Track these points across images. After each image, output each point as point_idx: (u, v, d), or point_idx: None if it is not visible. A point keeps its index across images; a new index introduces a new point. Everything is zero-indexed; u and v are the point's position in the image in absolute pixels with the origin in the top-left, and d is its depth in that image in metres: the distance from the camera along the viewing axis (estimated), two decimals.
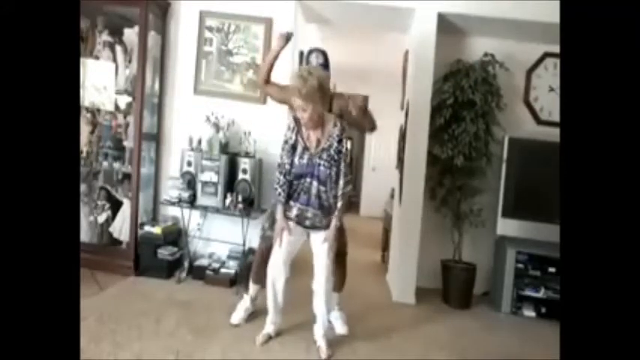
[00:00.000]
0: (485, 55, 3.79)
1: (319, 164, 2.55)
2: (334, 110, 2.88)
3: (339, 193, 2.58)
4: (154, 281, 3.51)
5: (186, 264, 3.70)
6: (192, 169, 3.63)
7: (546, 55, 4.03)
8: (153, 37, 3.72)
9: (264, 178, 3.69)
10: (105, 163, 3.73)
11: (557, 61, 3.99)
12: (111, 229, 3.73)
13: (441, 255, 3.90)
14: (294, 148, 2.58)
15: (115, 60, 3.68)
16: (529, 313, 3.67)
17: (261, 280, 2.84)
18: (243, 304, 2.99)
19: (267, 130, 3.76)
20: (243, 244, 3.55)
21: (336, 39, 4.96)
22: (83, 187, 3.72)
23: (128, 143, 3.67)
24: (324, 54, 3.08)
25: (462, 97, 3.65)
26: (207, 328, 2.80)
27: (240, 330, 2.85)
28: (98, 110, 3.71)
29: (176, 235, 3.81)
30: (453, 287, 3.76)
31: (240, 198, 3.49)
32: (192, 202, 3.60)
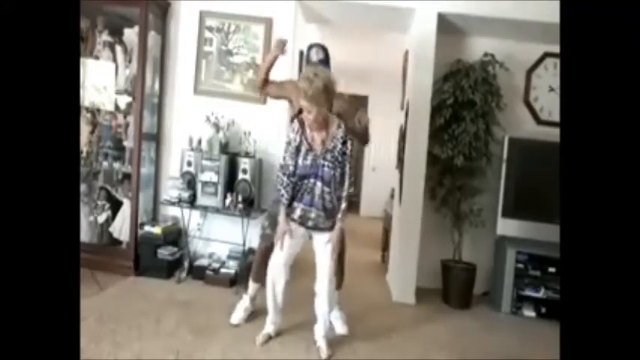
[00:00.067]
0: (485, 55, 3.79)
1: (323, 165, 2.54)
2: (334, 110, 2.88)
3: (344, 194, 2.58)
4: (154, 281, 3.51)
5: (186, 264, 3.70)
6: (192, 169, 3.63)
7: (546, 55, 4.03)
8: (153, 37, 3.72)
9: (264, 178, 3.69)
10: (105, 163, 3.73)
11: (557, 61, 3.99)
12: (111, 229, 3.73)
13: (441, 255, 3.90)
14: (297, 149, 2.58)
15: (115, 60, 3.68)
16: (529, 313, 3.67)
17: (261, 279, 2.84)
18: (243, 304, 2.99)
19: (267, 130, 3.76)
20: (243, 244, 3.55)
21: (336, 39, 4.96)
22: (83, 187, 3.72)
23: (128, 143, 3.67)
24: (324, 49, 3.07)
25: (462, 97, 3.65)
26: (207, 328, 2.80)
27: (240, 330, 2.85)
28: (98, 110, 3.71)
29: (176, 235, 3.81)
30: (453, 287, 3.76)
31: (240, 198, 3.49)
32: (192, 202, 3.60)
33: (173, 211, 3.82)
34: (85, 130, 3.69)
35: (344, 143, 2.57)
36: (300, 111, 2.61)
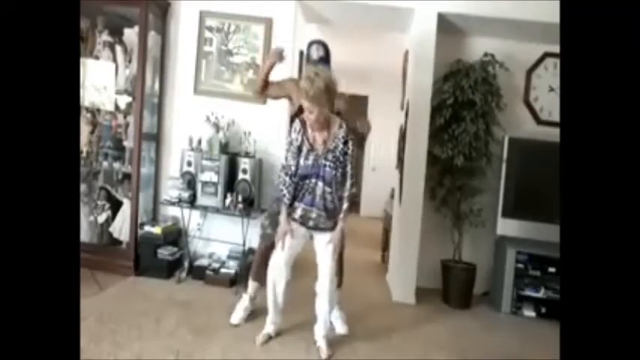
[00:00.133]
0: (485, 55, 3.79)
1: (325, 165, 2.54)
2: (334, 109, 2.88)
3: (345, 194, 2.58)
4: (154, 281, 3.51)
5: (186, 264, 3.70)
6: (192, 169, 3.63)
7: (546, 55, 4.03)
8: (153, 37, 3.72)
9: (264, 178, 3.69)
10: (105, 163, 3.73)
11: (557, 61, 3.99)
12: (111, 229, 3.73)
13: (441, 255, 3.90)
14: (299, 149, 2.57)
15: (115, 60, 3.68)
16: (529, 313, 3.67)
17: (261, 279, 2.84)
18: (242, 304, 2.99)
19: (267, 130, 3.76)
20: (243, 244, 3.55)
21: (336, 39, 4.94)
22: (83, 187, 3.72)
23: (128, 143, 3.67)
24: (324, 46, 3.06)
25: (462, 97, 3.65)
26: (207, 328, 2.80)
27: (240, 330, 2.85)
28: (98, 110, 3.71)
29: (176, 235, 3.81)
30: (453, 287, 3.76)
31: (240, 198, 3.49)
32: (192, 202, 3.60)
33: (173, 211, 3.82)
34: (85, 130, 3.70)
35: (345, 143, 2.56)
36: (301, 109, 2.60)
